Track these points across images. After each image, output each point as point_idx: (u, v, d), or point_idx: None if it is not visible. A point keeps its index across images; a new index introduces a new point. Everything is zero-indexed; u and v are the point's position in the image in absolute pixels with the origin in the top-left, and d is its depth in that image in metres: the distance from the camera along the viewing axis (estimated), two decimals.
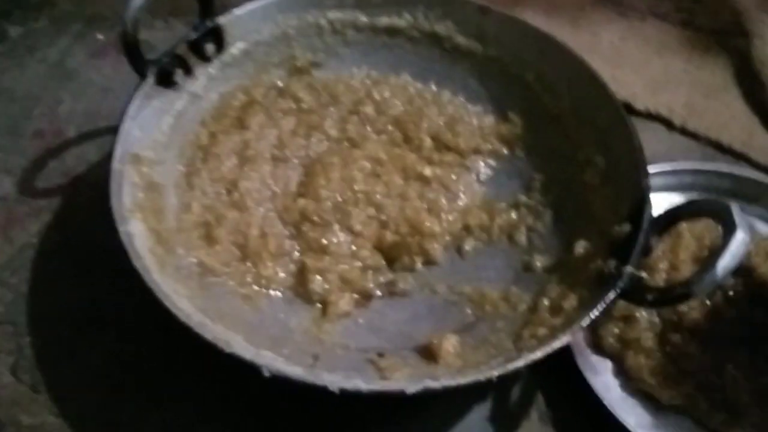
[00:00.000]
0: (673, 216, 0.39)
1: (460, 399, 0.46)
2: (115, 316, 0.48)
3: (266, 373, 0.35)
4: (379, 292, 0.48)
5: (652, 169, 0.46)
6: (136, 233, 0.42)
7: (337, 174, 0.51)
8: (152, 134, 0.47)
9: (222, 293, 0.45)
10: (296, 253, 0.48)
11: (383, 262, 0.49)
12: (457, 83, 0.57)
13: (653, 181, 0.43)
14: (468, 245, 0.50)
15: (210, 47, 0.51)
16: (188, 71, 0.50)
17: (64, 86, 0.63)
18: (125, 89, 0.47)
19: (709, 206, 0.38)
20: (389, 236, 0.49)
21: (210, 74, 0.52)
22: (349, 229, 0.49)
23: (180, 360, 0.45)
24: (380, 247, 0.49)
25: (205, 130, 0.51)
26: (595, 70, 0.49)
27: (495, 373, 0.35)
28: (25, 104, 0.62)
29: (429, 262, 0.49)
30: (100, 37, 0.67)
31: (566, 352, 0.44)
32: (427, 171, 0.53)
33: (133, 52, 0.46)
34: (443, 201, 0.51)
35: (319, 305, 0.46)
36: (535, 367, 0.36)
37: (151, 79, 0.47)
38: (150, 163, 0.46)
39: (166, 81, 0.48)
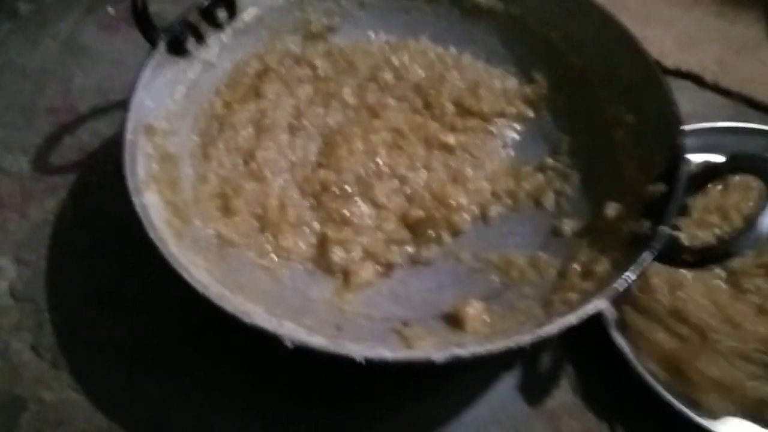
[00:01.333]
0: (710, 173, 0.37)
1: (488, 368, 0.44)
2: (134, 291, 0.48)
3: (289, 344, 0.34)
4: (402, 262, 0.46)
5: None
6: (152, 205, 0.40)
7: (358, 145, 0.49)
8: (165, 104, 0.46)
9: (241, 265, 0.43)
10: (316, 224, 0.47)
11: (409, 236, 0.47)
12: (479, 45, 0.55)
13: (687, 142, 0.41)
14: (494, 212, 0.48)
15: (222, 14, 0.49)
16: (200, 39, 0.49)
17: (76, 61, 0.62)
18: (137, 62, 0.45)
19: (750, 161, 0.36)
20: (415, 211, 0.47)
21: (223, 42, 0.50)
22: (373, 201, 0.48)
23: (200, 333, 0.45)
24: (406, 222, 0.47)
25: (220, 99, 0.50)
26: (625, 25, 0.47)
27: (526, 338, 0.34)
28: (38, 81, 0.61)
29: (455, 233, 0.47)
30: (110, 10, 0.66)
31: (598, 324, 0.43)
32: (451, 139, 0.51)
33: (143, 19, 0.45)
34: (468, 170, 0.50)
35: (340, 275, 0.45)
36: (565, 336, 0.35)
37: (162, 48, 0.46)
38: (164, 133, 0.45)
39: (177, 49, 0.47)
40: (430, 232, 0.47)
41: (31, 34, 0.64)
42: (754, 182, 0.39)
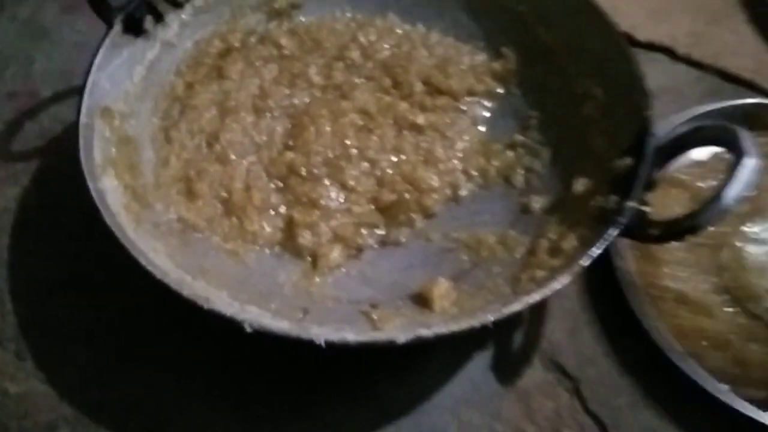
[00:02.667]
0: (677, 144, 0.37)
1: (460, 348, 0.44)
2: (98, 279, 0.47)
3: (248, 329, 0.33)
4: (372, 244, 0.45)
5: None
6: (110, 190, 0.40)
7: (326, 127, 0.48)
8: (123, 86, 0.45)
9: (205, 249, 0.43)
10: (283, 208, 0.46)
11: (380, 219, 0.46)
12: (447, 21, 0.54)
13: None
14: (465, 191, 0.48)
15: None
16: (159, 18, 0.47)
17: (37, 44, 0.60)
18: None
19: (716, 132, 0.35)
20: (386, 195, 0.46)
21: (183, 20, 0.49)
22: (342, 184, 0.47)
23: (165, 321, 0.44)
24: (377, 206, 0.46)
25: (181, 80, 0.49)
26: None
27: (490, 318, 0.33)
28: None
29: (427, 215, 0.47)
30: None
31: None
32: (420, 119, 0.50)
33: None
34: (439, 149, 0.49)
35: (308, 259, 0.44)
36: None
37: (118, 27, 0.44)
38: (122, 116, 0.44)
39: (135, 29, 0.46)
40: (403, 215, 0.46)
41: None
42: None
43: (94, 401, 0.43)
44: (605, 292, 0.45)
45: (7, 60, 0.59)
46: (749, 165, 0.32)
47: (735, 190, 0.32)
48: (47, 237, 0.49)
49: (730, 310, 0.44)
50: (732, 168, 0.33)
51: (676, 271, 0.46)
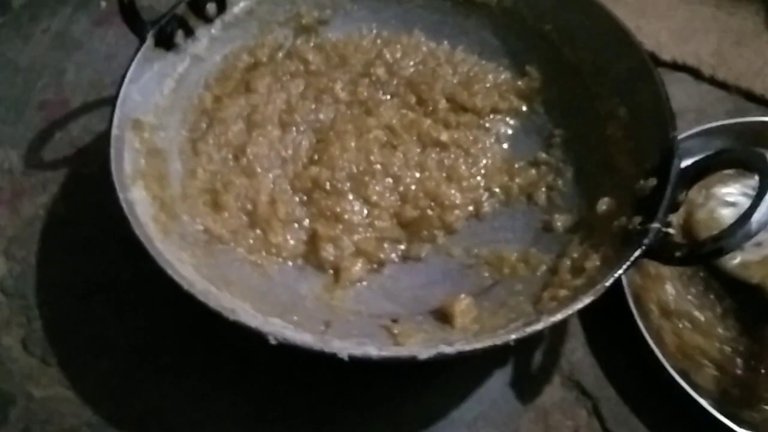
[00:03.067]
0: (702, 167, 0.37)
1: (479, 364, 0.44)
2: (124, 287, 0.48)
3: (273, 341, 0.34)
4: (393, 259, 0.46)
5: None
6: (138, 200, 0.40)
7: (351, 143, 0.49)
8: (153, 98, 0.46)
9: (230, 261, 0.43)
10: (307, 221, 0.47)
11: (402, 234, 0.47)
12: (472, 38, 0.54)
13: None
14: (487, 207, 0.48)
15: (211, 6, 0.49)
16: (189, 32, 0.48)
17: (68, 56, 0.62)
18: (130, 57, 0.45)
19: (742, 155, 0.35)
20: (409, 211, 0.47)
21: (212, 35, 0.50)
22: (365, 200, 0.47)
23: (191, 328, 0.44)
24: (400, 221, 0.47)
25: (209, 93, 0.50)
26: (618, 17, 0.46)
27: (512, 336, 0.33)
28: (30, 76, 0.60)
29: (450, 232, 0.47)
30: (102, 4, 0.66)
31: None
32: (444, 136, 0.50)
33: (129, 13, 0.44)
34: (462, 167, 0.49)
35: (330, 272, 0.45)
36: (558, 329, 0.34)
37: (150, 41, 0.45)
38: (152, 128, 0.45)
39: (166, 43, 0.47)
40: (424, 231, 0.46)
41: (23, 29, 0.64)
42: None
43: (116, 408, 0.43)
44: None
45: (39, 70, 0.61)
46: None
47: (762, 214, 0.32)
48: (75, 245, 0.50)
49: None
50: (759, 191, 0.33)
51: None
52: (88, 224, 0.51)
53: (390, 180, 0.48)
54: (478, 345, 0.33)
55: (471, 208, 0.48)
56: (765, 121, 0.51)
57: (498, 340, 0.33)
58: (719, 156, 0.37)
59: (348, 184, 0.48)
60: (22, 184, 0.53)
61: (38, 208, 0.52)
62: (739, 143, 0.50)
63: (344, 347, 0.34)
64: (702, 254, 0.34)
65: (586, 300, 0.34)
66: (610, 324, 0.45)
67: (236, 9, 0.51)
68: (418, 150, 0.50)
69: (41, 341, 0.46)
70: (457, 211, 0.47)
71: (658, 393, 0.43)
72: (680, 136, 0.41)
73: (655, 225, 0.36)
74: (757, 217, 0.32)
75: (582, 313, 0.36)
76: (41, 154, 0.55)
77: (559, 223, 0.45)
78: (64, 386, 0.44)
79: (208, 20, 0.49)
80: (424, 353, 0.33)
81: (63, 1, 0.66)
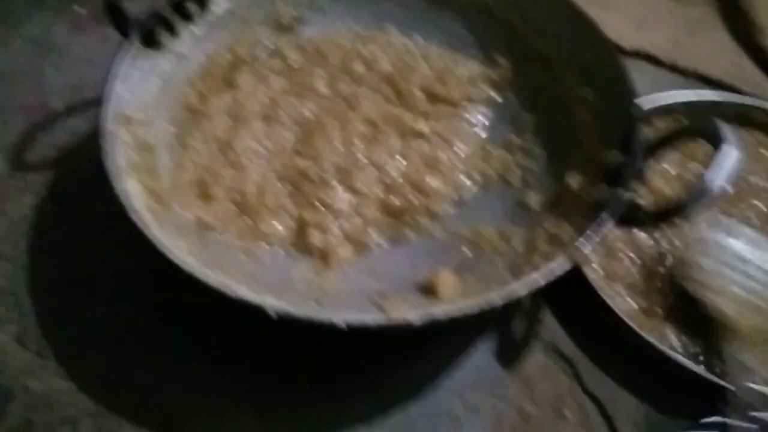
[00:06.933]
0: (663, 139, 0.40)
1: (464, 336, 0.46)
2: (114, 279, 0.49)
3: (273, 315, 0.35)
4: (380, 242, 0.48)
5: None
6: (132, 192, 0.42)
7: (335, 136, 0.51)
8: (141, 95, 0.47)
9: (222, 248, 0.45)
10: (294, 209, 0.48)
11: (388, 221, 0.48)
12: (444, 32, 0.57)
13: None
14: (467, 192, 0.50)
15: (193, 6, 0.51)
16: (172, 31, 0.50)
17: (48, 61, 0.63)
18: (109, 61, 0.46)
19: (697, 125, 0.39)
20: (394, 200, 0.49)
21: (194, 34, 0.51)
22: (351, 188, 0.49)
23: (183, 318, 0.46)
24: (386, 210, 0.49)
25: (194, 90, 0.51)
26: (581, 7, 0.49)
27: (498, 298, 0.35)
28: (10, 80, 0.61)
29: (433, 217, 0.49)
30: (80, 10, 0.67)
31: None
32: (423, 126, 0.53)
33: (116, 13, 0.46)
34: (442, 155, 0.51)
35: (318, 256, 0.46)
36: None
37: (135, 40, 0.47)
38: (140, 123, 0.46)
39: (150, 42, 0.48)
40: (410, 219, 0.49)
41: (1, 35, 0.65)
42: None
43: (114, 395, 0.44)
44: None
45: (20, 75, 0.61)
46: (726, 151, 0.35)
47: (717, 174, 0.35)
48: (64, 241, 0.51)
49: None
50: (713, 155, 0.36)
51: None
52: (75, 221, 0.52)
53: (374, 170, 0.50)
54: (467, 309, 0.36)
55: (453, 194, 0.50)
56: (717, 101, 0.55)
57: (484, 303, 0.36)
58: (677, 127, 0.40)
59: (334, 174, 0.49)
60: (8, 187, 0.54)
61: (25, 209, 0.53)
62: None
63: (342, 317, 0.35)
64: (666, 215, 0.37)
65: (562, 262, 0.37)
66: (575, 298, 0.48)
67: (217, 8, 0.52)
68: (400, 141, 0.52)
69: (36, 336, 0.46)
70: (440, 199, 0.49)
71: (624, 351, 0.46)
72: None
73: (623, 191, 0.38)
74: (710, 176, 0.35)
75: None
76: (26, 157, 0.56)
77: (533, 201, 0.47)
78: (61, 377, 0.44)
79: (190, 20, 0.51)
80: (415, 318, 0.35)
81: (40, 7, 0.67)
